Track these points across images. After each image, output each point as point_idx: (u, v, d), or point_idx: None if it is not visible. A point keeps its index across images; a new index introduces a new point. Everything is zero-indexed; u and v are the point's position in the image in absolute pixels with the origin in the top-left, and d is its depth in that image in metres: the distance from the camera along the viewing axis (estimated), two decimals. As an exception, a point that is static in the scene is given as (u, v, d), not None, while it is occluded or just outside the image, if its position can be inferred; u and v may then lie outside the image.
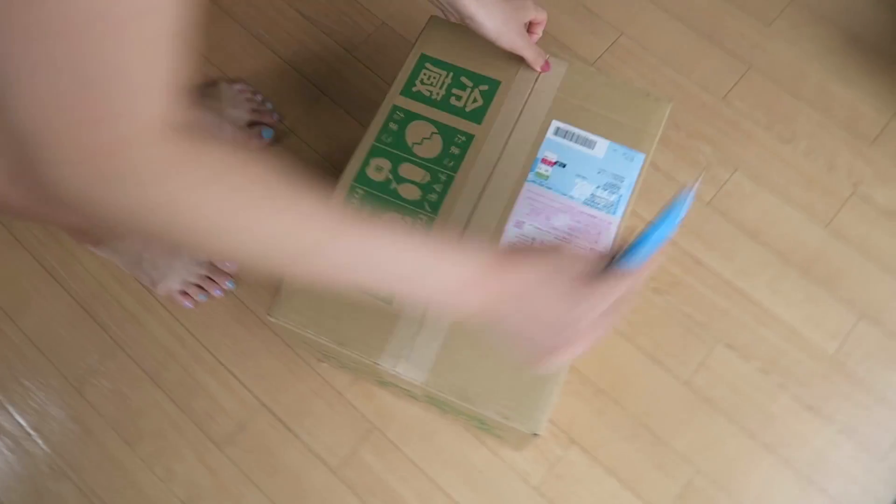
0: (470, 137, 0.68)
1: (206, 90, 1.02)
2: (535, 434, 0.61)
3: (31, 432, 0.89)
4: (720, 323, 0.92)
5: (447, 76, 0.72)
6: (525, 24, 0.70)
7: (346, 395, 0.90)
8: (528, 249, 0.48)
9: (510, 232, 0.66)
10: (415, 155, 0.69)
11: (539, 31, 0.74)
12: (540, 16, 0.72)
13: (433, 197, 0.67)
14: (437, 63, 0.73)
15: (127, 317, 0.94)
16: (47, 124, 0.32)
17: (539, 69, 0.71)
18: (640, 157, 0.69)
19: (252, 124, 1.01)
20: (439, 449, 0.87)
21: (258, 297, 0.95)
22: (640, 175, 0.69)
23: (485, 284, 0.46)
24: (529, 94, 0.70)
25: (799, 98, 1.04)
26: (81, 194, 0.35)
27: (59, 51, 0.30)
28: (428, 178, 0.68)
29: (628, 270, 0.48)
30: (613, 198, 0.68)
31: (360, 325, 0.64)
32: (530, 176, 0.68)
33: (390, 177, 0.69)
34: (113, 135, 0.33)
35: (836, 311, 0.93)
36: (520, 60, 0.71)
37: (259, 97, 1.03)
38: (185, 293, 0.93)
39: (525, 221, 0.66)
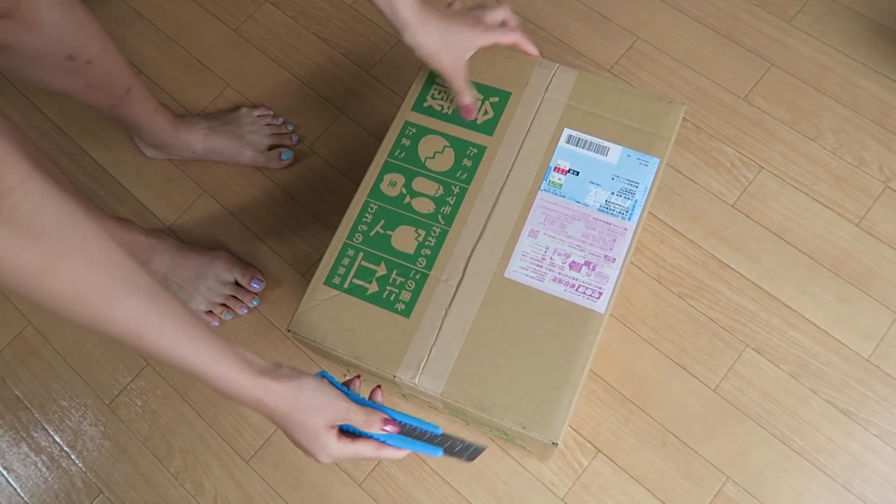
0: (482, 149, 0.69)
1: (226, 117, 1.04)
2: (555, 443, 0.60)
3: (67, 450, 0.91)
4: (748, 327, 0.90)
5: (457, 89, 0.72)
6: (472, 49, 0.68)
7: (371, 408, 0.90)
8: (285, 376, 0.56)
9: (524, 241, 0.66)
10: (428, 169, 0.70)
11: (526, 49, 0.72)
12: (504, 40, 0.69)
13: (447, 209, 0.67)
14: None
15: (156, 335, 0.96)
16: None
17: (462, 103, 0.69)
18: (654, 162, 0.68)
19: (272, 147, 1.03)
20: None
21: (282, 312, 0.96)
22: (655, 179, 0.68)
23: (259, 403, 0.55)
24: (540, 104, 0.70)
25: (823, 93, 1.02)
26: None
27: None
28: (441, 191, 0.68)
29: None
30: (628, 203, 0.67)
31: (377, 338, 0.64)
32: (543, 185, 0.68)
33: (404, 191, 0.69)
34: None
35: (870, 311, 0.90)
36: (529, 71, 0.71)
37: (279, 120, 1.05)
38: (211, 313, 0.95)
39: (539, 230, 0.66)
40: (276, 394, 0.54)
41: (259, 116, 1.04)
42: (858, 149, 0.98)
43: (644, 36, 1.07)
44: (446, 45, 0.66)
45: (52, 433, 0.92)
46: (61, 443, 0.92)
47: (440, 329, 0.63)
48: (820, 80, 1.03)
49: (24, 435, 0.92)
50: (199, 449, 0.90)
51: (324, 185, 1.02)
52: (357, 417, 0.57)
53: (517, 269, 0.65)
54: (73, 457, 0.91)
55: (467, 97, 0.70)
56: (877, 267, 0.92)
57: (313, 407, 0.55)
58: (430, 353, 0.63)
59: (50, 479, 0.90)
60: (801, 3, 1.08)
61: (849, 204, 0.96)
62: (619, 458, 0.86)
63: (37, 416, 0.93)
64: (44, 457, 0.91)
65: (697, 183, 0.98)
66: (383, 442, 0.58)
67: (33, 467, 0.91)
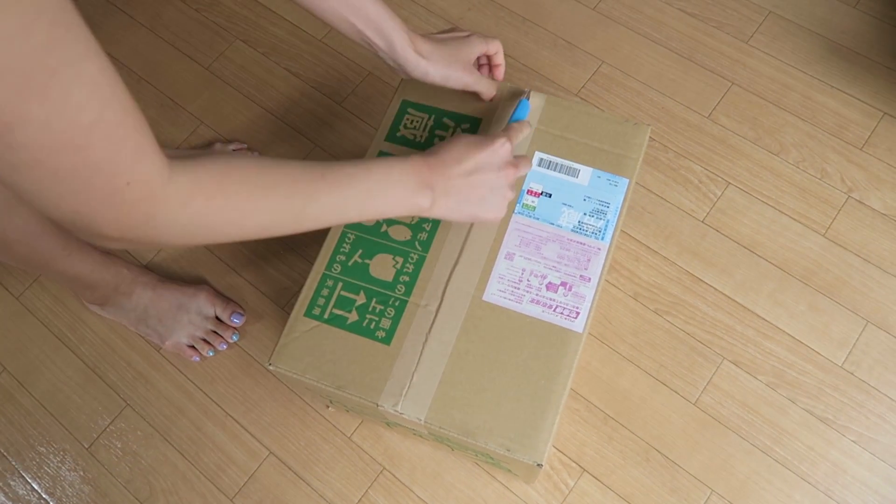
0: None
1: (202, 152, 1.05)
2: (539, 464, 0.61)
3: (46, 497, 0.89)
4: (724, 340, 0.92)
5: (429, 119, 0.74)
6: (473, 59, 0.70)
7: (354, 439, 0.90)
8: (458, 142, 0.63)
9: (501, 264, 0.67)
10: (402, 196, 0.70)
11: (499, 60, 0.74)
12: (491, 47, 0.72)
13: (423, 235, 0.68)
14: (418, 107, 0.75)
15: (135, 376, 0.95)
16: (85, 209, 0.41)
17: (493, 94, 0.72)
18: (624, 182, 0.70)
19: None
20: (450, 487, 0.87)
21: (262, 347, 0.96)
22: (625, 199, 0.70)
23: (434, 185, 0.60)
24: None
25: (784, 109, 1.05)
26: (129, 237, 0.44)
27: (55, 164, 0.37)
28: (417, 218, 0.69)
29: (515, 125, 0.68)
30: (601, 224, 0.69)
31: (359, 367, 0.64)
32: (517, 208, 0.69)
33: (380, 220, 0.70)
34: (131, 195, 0.41)
35: (841, 319, 0.92)
36: (498, 98, 0.73)
37: (255, 153, 1.06)
38: (193, 348, 0.94)
39: (515, 253, 0.67)
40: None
41: (234, 150, 1.05)
42: (820, 162, 1.01)
43: (609, 60, 1.10)
44: (453, 64, 0.68)
45: (29, 480, 0.90)
46: (40, 490, 0.90)
47: (421, 355, 0.64)
48: (780, 98, 1.06)
49: (1, 484, 0.90)
50: (181, 489, 0.89)
51: (300, 218, 1.03)
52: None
53: (495, 292, 0.66)
54: (51, 503, 0.89)
55: (492, 93, 0.73)
56: (845, 276, 0.95)
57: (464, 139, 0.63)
58: (411, 380, 0.63)
59: (29, 527, 0.88)
60: (757, 23, 1.12)
61: (814, 215, 0.98)
62: (604, 477, 0.86)
63: (14, 463, 0.91)
64: (23, 503, 0.89)
65: (668, 201, 1.00)
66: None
67: (11, 517, 0.89)
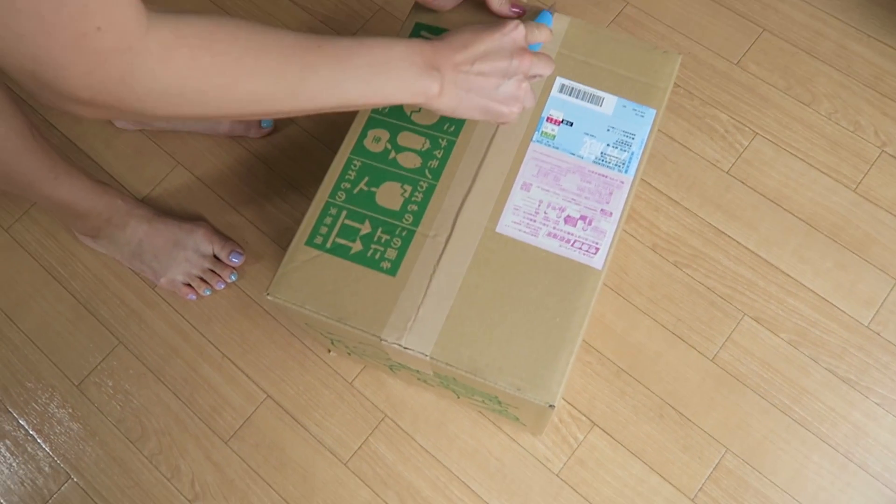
0: None
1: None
2: (552, 405, 0.57)
3: (33, 434, 0.86)
4: (745, 295, 0.88)
5: (444, 39, 0.69)
6: None
7: (356, 385, 0.86)
8: (465, 29, 0.58)
9: (517, 195, 0.62)
10: (413, 123, 0.66)
11: None
12: None
13: (434, 163, 0.64)
14: (432, 30, 0.70)
15: (129, 313, 0.91)
16: (47, 54, 0.35)
17: (508, 12, 0.66)
18: (650, 113, 0.65)
19: (251, 114, 0.99)
20: (454, 437, 0.83)
21: (261, 287, 0.92)
22: (651, 131, 0.65)
23: (440, 66, 0.55)
24: (531, 52, 0.67)
25: (817, 58, 0.99)
26: (102, 98, 0.39)
27: None
28: (428, 144, 0.64)
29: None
30: (625, 156, 0.64)
31: (361, 299, 0.60)
32: (536, 136, 0.64)
33: (389, 146, 0.65)
34: (103, 43, 0.37)
35: (869, 277, 0.88)
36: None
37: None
38: (188, 285, 0.90)
39: (532, 183, 0.63)
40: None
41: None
42: (854, 114, 0.96)
43: (633, 1, 1.04)
44: None
45: (16, 416, 0.87)
46: (26, 426, 0.87)
47: (428, 288, 0.60)
48: (813, 46, 1.00)
49: (-12, 419, 0.87)
50: (174, 430, 0.86)
51: (304, 155, 0.98)
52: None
53: (509, 224, 0.61)
54: (39, 441, 0.86)
55: (503, 5, 0.67)
56: (875, 233, 0.90)
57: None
58: (417, 313, 0.59)
59: (14, 464, 0.85)
60: (793, -32, 1.05)
61: (845, 169, 0.93)
62: (615, 432, 0.83)
63: (1, 399, 0.88)
64: (7, 442, 0.86)
65: (692, 150, 0.95)
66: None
67: (-2, 453, 0.86)
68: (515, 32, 0.57)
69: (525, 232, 0.61)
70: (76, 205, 0.83)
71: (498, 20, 0.59)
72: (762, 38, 1.01)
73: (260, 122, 0.98)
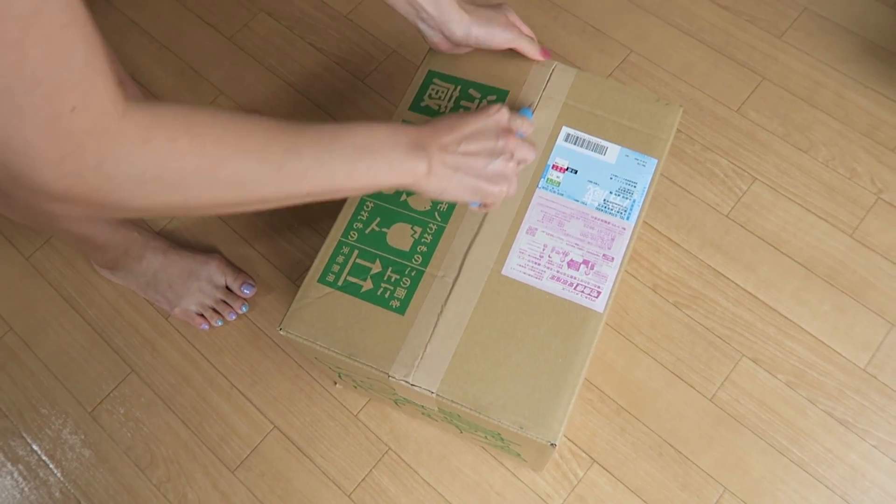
0: None
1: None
2: (553, 444, 0.59)
3: (46, 459, 0.88)
4: (744, 336, 0.90)
5: (455, 89, 0.72)
6: (510, 12, 0.70)
7: (361, 417, 0.88)
8: (450, 115, 0.59)
9: (522, 239, 0.65)
10: (424, 166, 0.69)
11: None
12: (524, 28, 0.71)
13: (443, 206, 0.67)
14: (445, 77, 0.73)
15: (142, 342, 0.94)
16: (20, 138, 0.33)
17: (538, 56, 0.70)
18: (652, 163, 0.68)
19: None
20: (456, 470, 0.85)
21: (272, 319, 0.94)
22: (653, 180, 0.67)
23: (427, 146, 0.55)
24: (538, 102, 0.70)
25: (815, 107, 1.03)
26: (77, 190, 0.37)
27: None
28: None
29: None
30: (627, 203, 0.67)
31: (371, 336, 0.63)
32: (541, 182, 0.67)
33: (399, 190, 0.68)
34: (78, 125, 0.35)
35: (866, 321, 0.90)
36: (528, 70, 0.71)
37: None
38: (201, 315, 0.93)
39: (537, 228, 0.65)
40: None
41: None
42: (850, 161, 0.99)
43: (638, 50, 1.08)
44: (493, 19, 0.66)
45: (30, 442, 0.89)
46: (39, 452, 0.89)
47: (435, 326, 0.62)
48: (811, 95, 1.04)
49: (1, 444, 0.89)
50: (183, 458, 0.88)
51: (317, 192, 1.01)
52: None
53: (515, 267, 0.64)
54: (51, 466, 0.88)
55: (536, 50, 0.70)
56: (871, 277, 0.92)
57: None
58: (424, 351, 0.61)
59: (26, 489, 0.87)
60: (792, 19, 1.09)
61: (842, 215, 0.96)
62: (615, 469, 0.84)
63: (15, 423, 0.90)
64: (20, 466, 0.88)
65: (692, 193, 0.98)
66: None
67: (9, 477, 0.88)
68: (499, 114, 0.58)
69: (530, 275, 0.64)
70: (95, 238, 0.86)
71: (480, 108, 0.60)
72: (762, 87, 1.05)
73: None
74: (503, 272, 0.64)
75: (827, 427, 0.85)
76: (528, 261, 0.64)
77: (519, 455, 0.77)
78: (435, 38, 0.68)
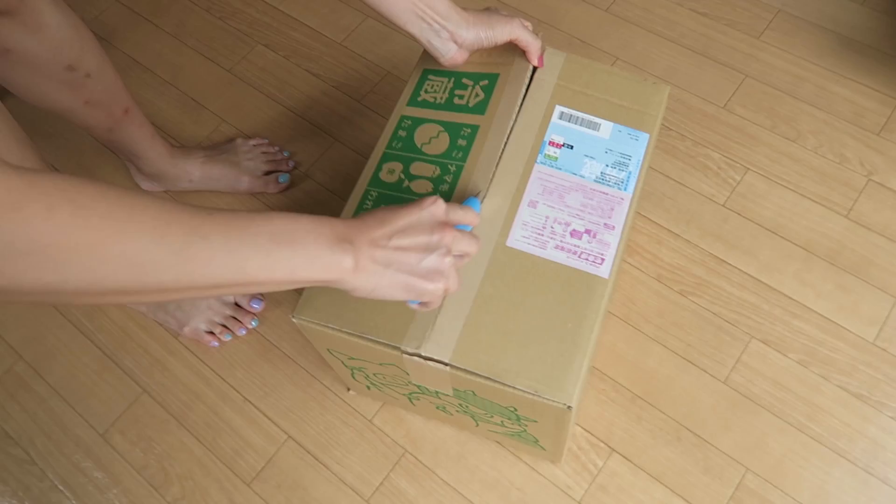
0: (475, 128, 0.70)
1: (223, 146, 1.06)
2: (569, 406, 0.59)
3: (59, 485, 0.87)
4: (751, 319, 0.90)
5: (449, 81, 0.75)
6: (502, 14, 0.71)
7: (375, 422, 0.88)
8: (381, 208, 0.55)
9: (524, 211, 0.66)
10: (424, 154, 0.71)
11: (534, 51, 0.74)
12: (532, 41, 0.72)
13: (444, 187, 0.68)
14: (438, 73, 0.76)
15: (152, 362, 0.94)
16: None
17: (536, 62, 0.73)
18: (644, 137, 0.70)
19: (269, 172, 1.05)
20: (475, 468, 0.84)
21: (282, 332, 0.95)
22: (647, 153, 0.70)
23: (354, 240, 0.50)
24: (531, 82, 0.72)
25: (799, 99, 1.06)
26: None
27: None
28: (438, 171, 0.69)
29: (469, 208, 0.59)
30: (623, 175, 0.68)
31: (381, 315, 0.63)
32: (539, 158, 0.69)
33: (402, 177, 0.70)
34: None
35: (870, 297, 0.90)
36: (513, 52, 0.74)
37: (275, 148, 1.08)
38: (211, 333, 0.93)
39: (539, 201, 0.67)
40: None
41: (255, 145, 1.06)
42: (839, 147, 1.01)
43: (624, 57, 1.12)
44: (495, 19, 0.69)
45: (42, 468, 0.88)
46: (52, 478, 0.88)
47: (444, 299, 0.63)
48: (794, 88, 1.07)
49: (15, 471, 0.88)
50: (197, 474, 0.86)
51: (321, 208, 1.03)
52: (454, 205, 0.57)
53: (519, 239, 0.65)
54: (64, 492, 0.87)
55: (537, 52, 0.71)
56: (871, 255, 0.93)
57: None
58: (435, 323, 0.62)
59: (39, 515, 0.86)
60: (768, 20, 1.14)
61: (836, 198, 0.98)
62: (634, 457, 0.83)
63: (27, 451, 0.89)
64: (34, 492, 0.87)
65: (687, 186, 1.00)
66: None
67: (22, 505, 0.86)
68: (434, 206, 0.54)
69: (534, 245, 0.65)
70: None
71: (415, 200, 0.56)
72: (746, 84, 1.08)
73: (278, 177, 1.04)
74: (508, 244, 0.65)
75: (843, 402, 0.84)
76: (532, 232, 0.65)
77: (537, 442, 0.76)
78: (448, 51, 0.70)
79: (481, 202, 0.66)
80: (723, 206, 0.98)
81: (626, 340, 0.90)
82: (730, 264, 0.94)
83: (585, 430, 0.85)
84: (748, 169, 1.01)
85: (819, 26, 1.12)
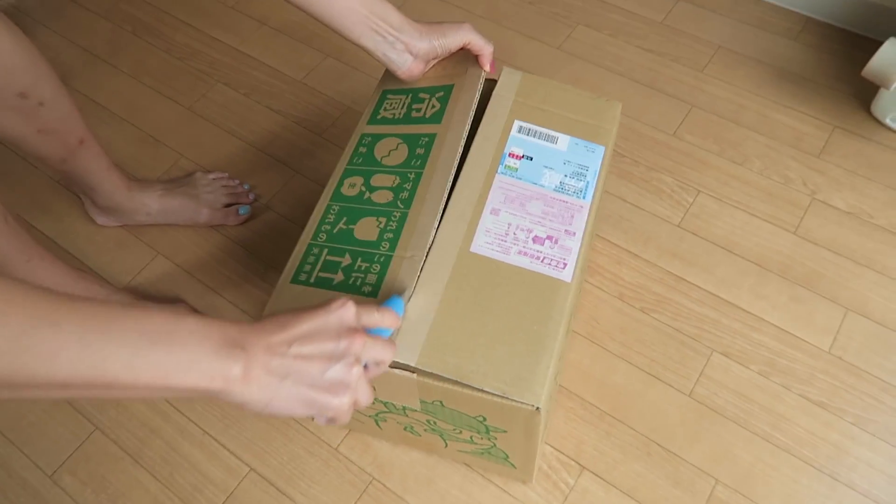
0: (432, 136, 0.72)
1: (182, 180, 1.06)
2: (537, 408, 0.58)
3: (2, 528, 0.82)
4: (712, 333, 0.92)
5: (406, 97, 0.77)
6: (462, 22, 0.74)
7: (341, 450, 0.85)
8: (283, 312, 0.49)
9: (487, 219, 0.67)
10: (384, 166, 0.72)
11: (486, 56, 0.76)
12: (484, 45, 0.74)
13: (404, 195, 0.69)
14: (397, 91, 0.78)
15: (107, 399, 0.90)
16: None
17: (487, 67, 0.74)
18: (600, 149, 0.73)
19: (229, 205, 1.04)
20: (444, 493, 0.82)
21: (242, 362, 0.92)
22: (603, 164, 0.72)
23: (247, 345, 0.44)
24: (490, 96, 0.74)
25: (743, 126, 1.11)
26: None
27: None
28: (398, 180, 0.70)
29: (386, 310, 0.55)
30: (581, 184, 0.70)
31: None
32: (500, 168, 0.70)
33: (363, 189, 0.71)
34: None
35: (823, 308, 0.93)
36: (466, 62, 0.76)
37: (235, 181, 1.07)
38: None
39: (500, 209, 0.68)
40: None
41: (215, 178, 1.06)
42: (782, 169, 1.06)
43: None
44: (443, 26, 0.71)
45: (-16, 513, 0.83)
46: (-5, 523, 0.82)
47: (408, 302, 0.63)
48: (738, 116, 1.12)
49: (-48, 519, 0.83)
50: (153, 513, 0.82)
51: (281, 237, 1.03)
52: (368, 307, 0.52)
53: (482, 244, 0.66)
54: (8, 536, 0.81)
55: (488, 57, 0.73)
56: (820, 269, 0.96)
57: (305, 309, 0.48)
58: (399, 329, 0.61)
59: (-20, 564, 0.80)
60: (710, 56, 1.20)
61: (783, 216, 1.01)
62: (605, 474, 0.82)
63: (-32, 497, 0.84)
64: (-26, 540, 0.81)
65: (643, 209, 1.03)
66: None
67: (-40, 555, 0.81)
68: (343, 310, 0.49)
69: (497, 251, 0.66)
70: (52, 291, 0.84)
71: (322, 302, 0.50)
72: (693, 113, 1.13)
73: (238, 209, 1.03)
74: (471, 249, 0.66)
75: (805, 410, 0.86)
76: (495, 238, 0.66)
77: (507, 458, 0.75)
78: (404, 62, 0.72)
79: (406, 302, 0.61)
80: (678, 226, 1.01)
81: (592, 358, 0.90)
82: (688, 281, 0.96)
83: (555, 448, 0.84)
84: (700, 191, 1.04)
85: (757, 60, 1.19)
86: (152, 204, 1.01)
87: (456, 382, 0.60)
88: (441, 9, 1.29)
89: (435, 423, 0.72)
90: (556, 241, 0.67)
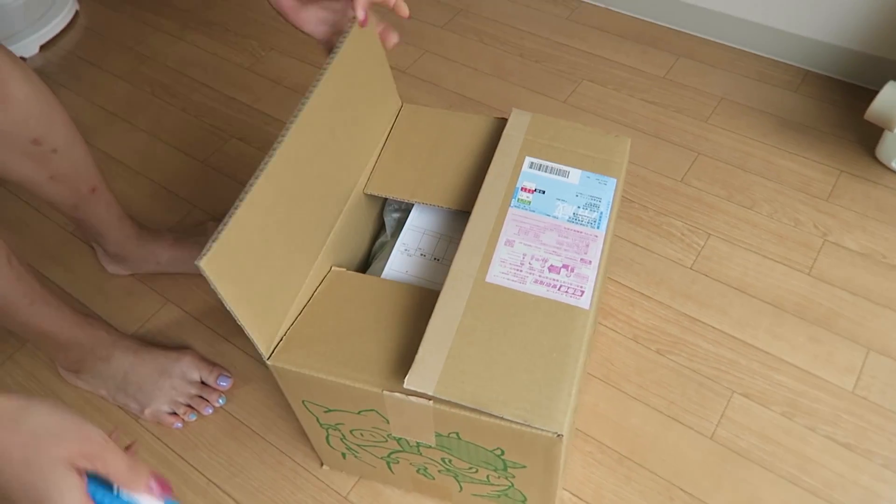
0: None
1: (193, 230, 1.06)
2: (559, 435, 0.56)
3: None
4: (731, 374, 0.90)
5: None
6: None
7: (351, 498, 0.82)
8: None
9: (502, 250, 0.67)
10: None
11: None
12: None
13: (422, 230, 0.69)
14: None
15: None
16: None
17: (360, 14, 0.67)
18: (612, 182, 0.73)
19: (239, 253, 1.04)
20: (460, 541, 0.78)
21: (250, 409, 0.90)
22: (615, 194, 0.72)
23: None
24: (500, 139, 0.76)
25: (750, 172, 1.12)
26: None
27: None
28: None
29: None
30: (595, 215, 0.70)
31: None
32: (513, 202, 0.71)
33: (378, 224, 0.71)
34: None
35: (843, 348, 0.91)
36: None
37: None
38: (174, 414, 0.89)
39: (515, 240, 0.68)
40: None
41: (226, 227, 1.06)
42: (792, 212, 1.06)
43: (582, 140, 1.18)
44: None
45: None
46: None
47: (425, 332, 0.62)
48: (744, 163, 1.14)
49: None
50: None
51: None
52: (118, 460, 0.41)
53: (497, 274, 0.65)
54: (2, 593, 0.77)
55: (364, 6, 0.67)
56: (837, 308, 0.95)
57: (49, 430, 0.39)
58: (417, 355, 0.60)
59: None
60: (713, 107, 1.22)
61: (796, 257, 1.01)
62: (627, 520, 0.79)
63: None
64: None
65: (654, 252, 1.03)
66: None
67: None
68: (55, 417, 0.41)
69: (513, 280, 0.65)
70: (57, 335, 0.83)
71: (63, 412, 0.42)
72: (699, 160, 1.14)
73: (249, 257, 1.03)
74: (487, 279, 0.65)
75: (832, 452, 0.83)
76: (510, 268, 0.66)
77: (524, 501, 0.72)
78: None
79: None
80: (690, 268, 1.01)
81: (608, 400, 0.88)
82: (703, 322, 0.95)
83: (573, 493, 0.81)
84: (710, 234, 1.04)
85: (760, 110, 1.21)
86: (163, 253, 1.01)
87: (474, 410, 0.58)
88: (448, 68, 1.33)
89: (450, 461, 0.69)
90: (572, 270, 0.66)
